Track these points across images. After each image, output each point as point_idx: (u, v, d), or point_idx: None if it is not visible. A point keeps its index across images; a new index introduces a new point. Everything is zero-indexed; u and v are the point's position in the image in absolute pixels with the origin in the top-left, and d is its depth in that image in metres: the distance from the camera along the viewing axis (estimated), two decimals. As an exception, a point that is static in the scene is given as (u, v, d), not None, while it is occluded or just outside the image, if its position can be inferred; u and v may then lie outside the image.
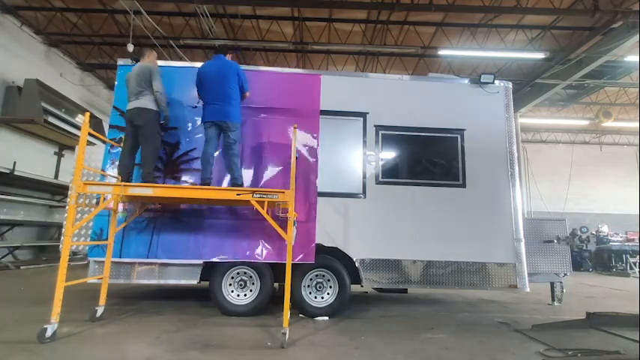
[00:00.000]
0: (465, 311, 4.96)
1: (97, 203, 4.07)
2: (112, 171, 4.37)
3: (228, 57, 4.48)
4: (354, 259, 4.37)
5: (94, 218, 4.15)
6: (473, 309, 5.14)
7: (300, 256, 4.21)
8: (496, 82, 4.96)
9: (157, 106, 4.13)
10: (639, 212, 8.96)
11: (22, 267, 8.43)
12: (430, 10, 9.09)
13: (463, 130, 4.80)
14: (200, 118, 4.49)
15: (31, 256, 9.67)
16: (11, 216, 8.96)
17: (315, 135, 4.62)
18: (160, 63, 4.83)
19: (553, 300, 5.53)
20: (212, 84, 4.20)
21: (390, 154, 4.74)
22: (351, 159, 4.66)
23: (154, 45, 10.49)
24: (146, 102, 4.07)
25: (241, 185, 4.11)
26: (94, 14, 10.27)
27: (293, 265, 3.56)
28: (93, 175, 4.68)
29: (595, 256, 13.00)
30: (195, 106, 4.59)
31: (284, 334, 3.21)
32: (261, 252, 4.26)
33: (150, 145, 4.06)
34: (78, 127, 9.65)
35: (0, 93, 9.06)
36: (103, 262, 3.97)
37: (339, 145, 4.67)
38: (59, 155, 11.00)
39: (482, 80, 4.92)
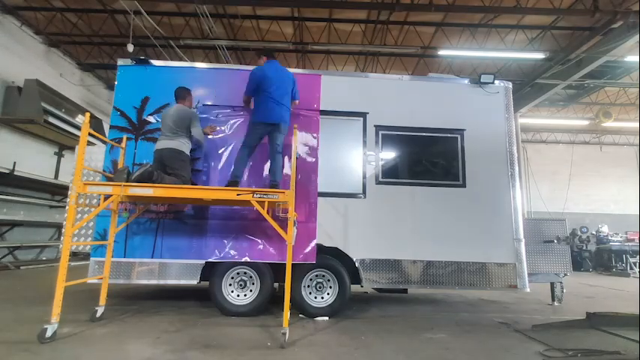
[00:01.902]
0: (465, 311, 4.96)
1: (98, 203, 4.07)
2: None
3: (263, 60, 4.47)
4: (354, 259, 4.37)
5: (97, 219, 4.16)
6: (473, 309, 5.14)
7: (301, 257, 4.22)
8: (496, 82, 4.96)
9: (189, 149, 4.15)
10: (639, 212, 8.96)
11: (22, 267, 8.44)
12: (430, 10, 9.09)
13: (463, 130, 4.80)
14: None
15: (31, 256, 9.67)
16: (11, 216, 8.97)
17: (315, 135, 4.62)
18: (160, 63, 4.87)
19: (553, 300, 5.53)
20: (269, 87, 4.19)
21: (390, 154, 4.75)
22: (351, 159, 4.66)
23: (154, 45, 10.51)
24: (180, 144, 4.06)
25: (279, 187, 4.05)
26: (94, 14, 10.27)
27: (293, 265, 3.56)
28: (93, 175, 4.69)
29: (595, 256, 13.00)
30: (196, 107, 4.59)
31: (284, 334, 3.21)
32: (262, 252, 4.26)
33: (175, 177, 3.99)
34: (78, 127, 9.65)
35: (0, 93, 9.06)
36: (104, 262, 3.97)
37: (339, 145, 4.67)
38: (59, 155, 11.00)
39: (482, 80, 4.92)
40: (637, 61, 10.07)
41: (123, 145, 4.25)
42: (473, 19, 10.34)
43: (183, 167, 4.05)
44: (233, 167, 4.20)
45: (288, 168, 4.44)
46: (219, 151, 4.52)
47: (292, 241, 3.50)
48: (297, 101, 4.47)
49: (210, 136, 4.45)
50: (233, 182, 4.05)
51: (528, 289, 4.49)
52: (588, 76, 11.44)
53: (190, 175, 4.18)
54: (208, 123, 4.53)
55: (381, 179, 4.62)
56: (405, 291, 5.30)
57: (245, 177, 4.41)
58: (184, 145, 4.10)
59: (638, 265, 11.80)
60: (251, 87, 4.25)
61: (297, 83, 4.40)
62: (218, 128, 4.51)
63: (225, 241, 4.27)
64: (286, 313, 3.34)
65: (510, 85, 5.06)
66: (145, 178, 3.69)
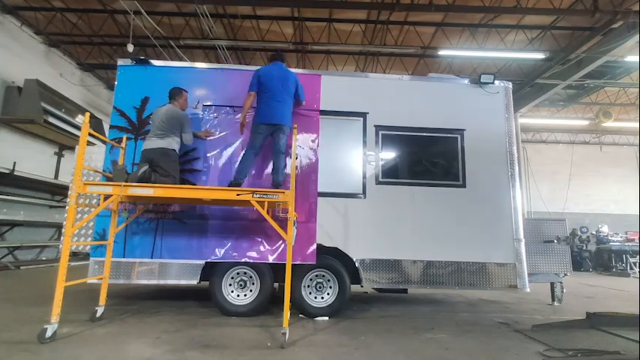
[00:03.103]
0: (465, 311, 4.96)
1: (98, 203, 4.07)
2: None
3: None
4: (354, 259, 4.37)
5: (97, 219, 4.16)
6: (473, 309, 5.14)
7: (301, 257, 4.22)
8: (496, 82, 4.96)
9: (178, 147, 4.17)
10: (639, 212, 8.96)
11: (22, 267, 8.44)
12: (430, 10, 9.10)
13: (463, 130, 4.80)
14: (199, 119, 4.55)
15: (31, 256, 9.67)
16: (11, 216, 8.97)
17: (315, 135, 4.62)
18: (160, 63, 4.87)
19: (553, 300, 5.53)
20: (272, 88, 4.22)
21: (390, 154, 4.74)
22: (351, 159, 4.65)
23: (154, 45, 10.51)
24: (169, 143, 4.07)
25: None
26: (94, 14, 10.28)
27: (293, 265, 3.56)
28: (93, 175, 4.69)
29: (595, 256, 13.00)
30: (195, 107, 4.59)
31: (284, 334, 3.21)
32: (262, 253, 4.26)
33: (167, 178, 3.99)
34: (78, 127, 9.65)
35: (0, 93, 9.06)
36: (104, 262, 3.97)
37: (339, 145, 4.67)
38: (59, 155, 11.00)
39: (482, 80, 4.92)
40: (637, 61, 10.07)
41: (123, 145, 4.25)
42: (473, 19, 10.34)
43: (173, 167, 4.08)
44: (237, 168, 4.21)
45: (288, 168, 4.44)
46: (219, 151, 4.52)
47: (292, 242, 3.50)
48: (303, 103, 4.51)
49: (209, 139, 4.51)
50: (236, 183, 4.06)
51: (528, 289, 4.49)
52: (588, 76, 11.44)
53: (179, 174, 4.20)
54: (207, 122, 4.55)
55: (381, 179, 4.62)
56: (405, 291, 5.30)
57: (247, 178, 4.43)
58: (174, 144, 4.12)
59: (638, 265, 11.80)
60: (253, 83, 4.29)
61: (301, 86, 4.44)
62: (212, 133, 4.54)
63: (225, 242, 4.27)
64: (286, 313, 3.34)
65: (510, 85, 5.06)
66: (145, 180, 3.70)
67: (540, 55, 10.80)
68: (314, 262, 4.23)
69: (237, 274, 4.31)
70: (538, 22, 10.32)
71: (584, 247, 12.87)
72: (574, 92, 13.98)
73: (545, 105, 14.61)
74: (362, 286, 4.45)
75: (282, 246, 4.21)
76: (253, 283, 4.29)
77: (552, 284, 5.48)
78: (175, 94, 4.32)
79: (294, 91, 4.37)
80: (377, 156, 4.67)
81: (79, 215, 4.46)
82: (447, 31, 10.94)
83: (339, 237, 4.39)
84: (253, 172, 4.47)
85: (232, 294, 4.26)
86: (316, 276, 4.37)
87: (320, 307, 4.25)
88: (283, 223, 3.59)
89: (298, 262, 4.17)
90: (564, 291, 5.57)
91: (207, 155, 4.51)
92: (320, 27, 10.81)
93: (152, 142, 4.05)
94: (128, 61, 4.71)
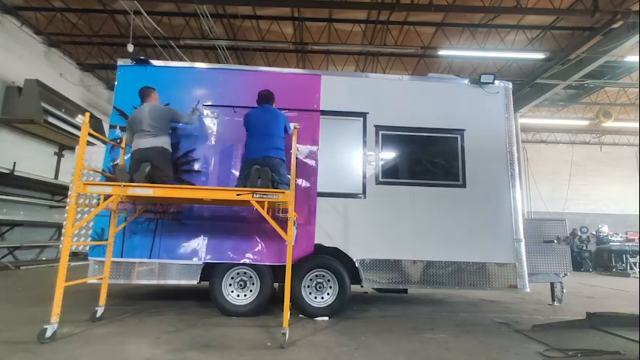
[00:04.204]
0: (465, 311, 4.96)
1: (97, 203, 4.07)
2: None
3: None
4: (354, 260, 4.37)
5: (95, 218, 4.15)
6: (473, 309, 5.14)
7: (300, 255, 4.23)
8: (496, 82, 4.96)
9: (170, 146, 4.16)
10: (639, 212, 8.97)
11: (22, 267, 8.44)
12: (430, 10, 9.10)
13: (463, 130, 4.80)
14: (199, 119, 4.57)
15: (31, 256, 9.67)
16: (11, 216, 8.97)
17: (315, 135, 4.62)
18: (160, 63, 4.87)
19: (553, 300, 5.52)
20: (256, 129, 4.13)
21: (390, 154, 4.74)
22: (351, 159, 4.65)
23: (154, 45, 10.51)
24: (164, 142, 4.05)
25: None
26: (94, 14, 10.29)
27: (293, 265, 3.55)
28: (93, 175, 4.69)
29: (595, 256, 13.00)
30: (195, 107, 4.59)
31: (284, 334, 3.21)
32: (261, 253, 4.25)
33: (166, 178, 3.98)
34: (78, 127, 9.66)
35: (0, 93, 9.06)
36: (103, 262, 3.97)
37: (339, 145, 4.67)
38: (59, 155, 11.01)
39: (482, 80, 4.92)
40: (637, 61, 10.07)
41: (123, 145, 4.25)
42: (473, 19, 10.35)
43: (169, 167, 4.08)
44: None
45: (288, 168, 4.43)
46: (219, 151, 4.52)
47: (292, 242, 3.50)
48: (288, 133, 4.30)
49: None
50: None
51: (528, 289, 4.49)
52: (588, 76, 11.44)
53: (173, 174, 4.18)
54: (207, 122, 4.55)
55: (381, 179, 4.61)
56: (405, 291, 5.30)
57: None
58: (167, 144, 4.11)
59: (638, 265, 11.80)
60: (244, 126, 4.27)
61: (287, 122, 4.28)
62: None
63: (226, 242, 4.27)
64: (286, 313, 3.34)
65: (510, 85, 5.06)
66: (148, 178, 3.71)
67: (540, 55, 10.80)
68: (312, 252, 4.24)
69: (237, 274, 4.31)
70: (538, 22, 10.33)
71: (584, 247, 12.88)
72: (574, 92, 13.98)
73: (545, 105, 14.62)
74: (362, 286, 4.45)
75: (282, 246, 4.19)
76: (253, 283, 4.29)
77: (552, 284, 5.48)
78: (148, 91, 4.24)
79: (283, 129, 4.21)
80: (377, 156, 4.67)
81: (79, 215, 4.46)
82: (447, 31, 10.94)
83: (339, 237, 4.39)
84: None
85: (232, 294, 4.26)
86: (316, 276, 4.36)
87: (320, 307, 4.25)
88: (283, 223, 3.59)
89: (298, 262, 4.17)
90: (564, 291, 5.57)
91: (207, 155, 4.51)
92: (320, 27, 10.81)
93: (146, 141, 3.97)
94: (128, 61, 4.71)
